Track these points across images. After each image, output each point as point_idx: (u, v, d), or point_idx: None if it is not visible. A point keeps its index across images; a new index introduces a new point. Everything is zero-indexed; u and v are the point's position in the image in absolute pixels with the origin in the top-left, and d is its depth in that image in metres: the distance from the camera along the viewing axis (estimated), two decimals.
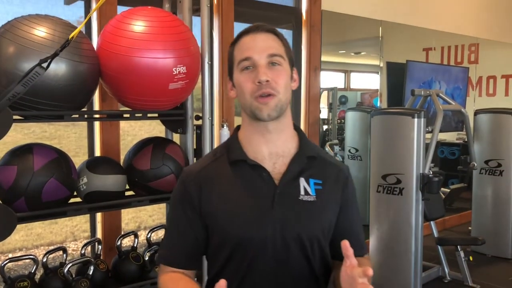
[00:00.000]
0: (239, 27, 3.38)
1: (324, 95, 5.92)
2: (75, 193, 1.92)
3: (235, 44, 1.14)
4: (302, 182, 1.12)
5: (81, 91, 1.80)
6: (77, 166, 1.94)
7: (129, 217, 5.08)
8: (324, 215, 1.13)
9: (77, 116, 1.91)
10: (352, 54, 7.00)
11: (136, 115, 2.00)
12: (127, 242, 2.22)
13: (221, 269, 1.12)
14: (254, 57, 1.08)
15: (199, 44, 2.09)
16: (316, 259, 1.12)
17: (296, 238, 1.08)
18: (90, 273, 1.95)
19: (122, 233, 2.36)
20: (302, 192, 1.11)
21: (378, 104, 4.92)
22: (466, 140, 4.87)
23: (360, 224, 1.26)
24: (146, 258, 2.09)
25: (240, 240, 1.08)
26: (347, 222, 1.19)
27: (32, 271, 1.90)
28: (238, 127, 1.21)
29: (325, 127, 6.03)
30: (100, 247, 2.15)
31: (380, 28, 4.78)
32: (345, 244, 0.94)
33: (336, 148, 5.25)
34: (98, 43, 1.91)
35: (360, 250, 1.18)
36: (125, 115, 2.06)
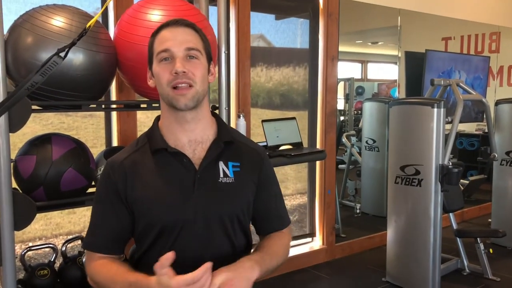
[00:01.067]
0: (255, 16, 3.36)
1: (341, 86, 5.86)
2: (93, 183, 1.93)
3: (155, 36, 1.19)
4: (221, 165, 1.20)
5: (99, 80, 1.80)
6: (94, 156, 1.95)
7: None
8: (243, 195, 1.22)
9: (94, 106, 1.92)
10: (369, 44, 6.91)
11: (153, 105, 2.00)
12: None
13: (147, 251, 1.19)
14: (173, 49, 1.14)
15: (216, 34, 2.07)
16: (237, 235, 1.22)
17: (218, 219, 1.18)
18: None
19: None
20: (222, 175, 1.20)
21: (396, 95, 4.85)
22: (486, 130, 4.79)
23: (280, 199, 1.35)
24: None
25: (164, 224, 1.15)
26: (266, 201, 1.28)
27: (52, 260, 1.93)
28: (158, 116, 1.26)
29: (341, 118, 5.98)
30: None
31: (399, 17, 4.70)
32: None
33: (353, 139, 5.21)
34: (115, 33, 1.91)
35: (281, 225, 1.32)
36: (142, 105, 2.06)
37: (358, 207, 4.78)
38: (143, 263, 1.21)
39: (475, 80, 4.68)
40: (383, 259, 3.48)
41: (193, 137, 1.21)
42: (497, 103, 4.34)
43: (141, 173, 1.18)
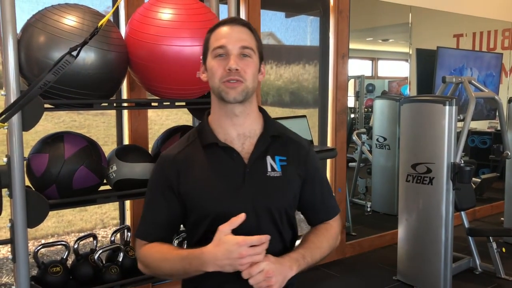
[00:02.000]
0: (265, 14, 3.35)
1: (351, 83, 5.83)
2: (104, 181, 1.95)
3: (212, 32, 1.24)
4: (269, 159, 1.25)
5: (110, 79, 1.81)
6: (106, 154, 1.96)
7: None
8: (289, 188, 1.27)
9: (106, 104, 1.93)
10: (380, 41, 6.86)
11: (164, 103, 2.00)
12: None
13: (200, 240, 1.22)
14: (228, 46, 1.19)
15: None
16: (284, 226, 1.26)
17: (266, 210, 1.22)
18: (120, 259, 1.98)
19: None
20: (269, 169, 1.24)
21: (407, 92, 4.81)
22: (498, 128, 4.74)
23: (328, 190, 1.39)
24: (175, 245, 2.10)
25: (216, 215, 1.19)
26: (313, 193, 1.32)
27: (64, 257, 1.94)
28: (208, 112, 1.31)
29: (351, 115, 5.95)
30: (129, 234, 2.18)
31: (410, 14, 4.66)
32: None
33: (364, 137, 5.19)
34: (126, 32, 1.92)
35: (329, 215, 1.36)
36: (153, 104, 2.07)
37: (368, 205, 4.76)
38: None
39: (487, 77, 4.63)
40: (394, 257, 3.46)
41: (241, 131, 1.25)
42: (510, 100, 4.29)
43: (193, 167, 1.23)
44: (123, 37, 1.90)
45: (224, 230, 1.11)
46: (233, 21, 1.24)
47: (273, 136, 1.27)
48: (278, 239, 1.26)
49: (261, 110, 1.31)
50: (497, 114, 3.99)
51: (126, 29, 1.92)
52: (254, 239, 1.09)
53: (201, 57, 1.29)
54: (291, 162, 1.27)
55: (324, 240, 1.31)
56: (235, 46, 1.19)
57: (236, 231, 1.16)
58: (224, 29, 1.22)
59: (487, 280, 3.43)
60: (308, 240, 1.29)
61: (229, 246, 1.08)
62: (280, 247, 1.26)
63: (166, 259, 1.19)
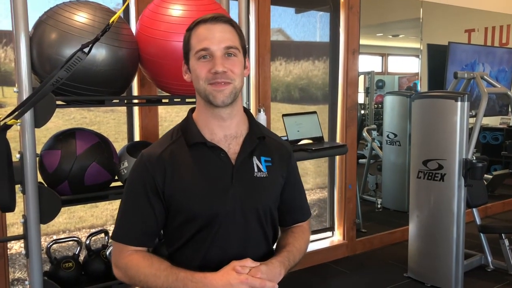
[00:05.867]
0: (275, 10, 3.34)
1: (361, 79, 5.80)
2: (116, 177, 1.95)
3: (192, 31, 1.19)
4: (255, 160, 1.24)
5: (121, 76, 1.81)
6: (117, 151, 1.97)
7: None
8: (274, 189, 1.28)
9: (117, 101, 1.93)
10: (390, 36, 6.80)
11: (175, 100, 2.01)
12: None
13: (185, 244, 1.21)
14: (212, 48, 1.15)
15: None
16: (268, 226, 1.27)
17: (254, 210, 1.22)
18: None
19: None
20: (256, 169, 1.23)
21: (418, 88, 4.78)
22: (510, 124, 4.69)
23: (303, 192, 1.41)
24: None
25: (205, 216, 1.17)
26: (292, 194, 1.34)
27: (76, 253, 1.96)
28: (192, 109, 1.28)
29: (362, 112, 5.91)
30: None
31: (421, 9, 4.62)
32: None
33: (374, 133, 5.16)
34: (136, 28, 1.92)
35: (304, 217, 1.39)
36: (164, 100, 2.07)
37: (379, 202, 4.73)
38: (177, 259, 1.21)
39: (499, 72, 4.58)
40: (404, 254, 3.45)
41: (228, 132, 1.23)
42: None
43: (179, 167, 1.19)
44: (134, 34, 1.90)
45: (235, 263, 1.12)
46: (214, 19, 1.17)
47: (259, 137, 1.26)
48: (263, 239, 1.26)
49: (246, 111, 1.30)
50: (509, 110, 3.95)
51: (137, 25, 1.93)
52: (257, 282, 1.09)
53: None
54: (275, 163, 1.27)
55: (302, 243, 1.32)
56: (219, 47, 1.15)
57: (224, 233, 1.18)
58: (205, 29, 1.16)
59: (499, 277, 3.40)
60: (289, 243, 1.29)
61: (232, 279, 1.08)
62: (266, 248, 1.27)
63: (156, 276, 1.13)
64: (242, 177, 1.20)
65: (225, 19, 1.18)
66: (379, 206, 4.72)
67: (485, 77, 3.65)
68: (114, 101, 1.90)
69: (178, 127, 1.26)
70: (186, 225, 1.19)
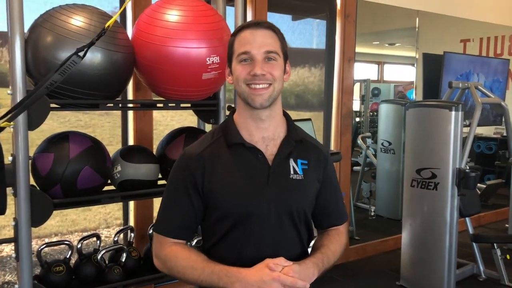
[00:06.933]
0: (272, 17, 3.35)
1: (357, 87, 5.82)
2: (109, 181, 1.95)
3: (236, 36, 1.26)
4: (291, 162, 1.28)
5: (116, 80, 1.81)
6: (111, 154, 1.97)
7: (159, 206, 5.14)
8: (309, 191, 1.31)
9: (112, 105, 1.93)
10: (386, 45, 6.83)
11: (170, 104, 2.01)
12: None
13: (220, 240, 1.26)
14: (253, 51, 1.21)
15: None
16: (302, 226, 1.30)
17: (288, 211, 1.26)
18: (123, 260, 1.98)
19: (154, 221, 2.38)
20: (292, 171, 1.27)
21: (413, 97, 4.80)
22: (504, 134, 4.72)
23: (340, 196, 1.44)
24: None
25: (240, 214, 1.23)
26: (328, 197, 1.37)
27: (67, 256, 1.95)
28: (234, 111, 1.34)
29: (357, 119, 5.93)
30: (132, 235, 2.18)
31: (417, 18, 4.65)
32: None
33: (369, 141, 5.17)
34: (133, 33, 1.92)
35: (340, 220, 1.42)
36: (158, 105, 2.07)
37: (372, 210, 4.74)
38: (212, 256, 1.25)
39: (494, 83, 4.61)
40: (397, 262, 3.45)
41: (266, 134, 1.27)
42: None
43: (219, 165, 1.25)
44: (130, 38, 1.90)
45: (268, 261, 1.16)
46: (257, 24, 1.24)
47: (297, 141, 1.31)
48: (297, 240, 1.30)
49: (285, 114, 1.34)
50: (503, 120, 3.97)
51: (133, 30, 1.93)
52: (289, 280, 1.13)
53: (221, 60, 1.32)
54: (312, 166, 1.31)
55: (337, 246, 1.35)
56: (259, 51, 1.20)
57: (259, 232, 1.23)
58: (248, 34, 1.23)
59: (491, 287, 3.41)
60: (324, 245, 1.32)
61: (264, 276, 1.13)
62: (299, 249, 1.30)
63: (193, 268, 1.20)
64: (278, 178, 1.25)
65: (267, 25, 1.25)
66: (372, 213, 4.72)
67: (479, 87, 3.68)
68: (109, 105, 1.90)
69: (219, 128, 1.33)
70: (221, 221, 1.25)
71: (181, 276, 1.23)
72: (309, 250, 1.36)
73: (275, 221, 1.24)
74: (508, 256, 3.61)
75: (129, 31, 2.20)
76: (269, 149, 1.27)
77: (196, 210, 1.26)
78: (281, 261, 1.17)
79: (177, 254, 1.24)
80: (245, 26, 1.25)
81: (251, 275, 1.14)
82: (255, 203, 1.23)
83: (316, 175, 1.32)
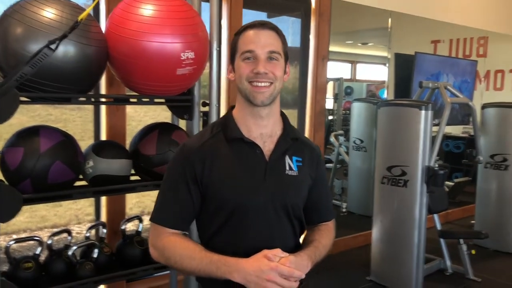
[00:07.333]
0: (247, 14, 3.35)
1: (330, 86, 5.89)
2: (80, 176, 1.92)
3: (240, 35, 1.31)
4: (287, 159, 1.34)
5: (89, 74, 1.79)
6: (83, 150, 1.94)
7: (133, 202, 5.09)
8: (303, 187, 1.37)
9: (84, 99, 1.90)
10: (360, 44, 6.93)
11: (143, 99, 1.99)
12: (130, 226, 2.23)
13: (217, 232, 1.30)
14: (257, 51, 1.26)
15: (208, 30, 2.07)
16: (296, 220, 1.36)
17: (283, 205, 1.31)
18: (95, 256, 1.96)
19: (126, 217, 2.36)
20: (287, 167, 1.33)
21: (385, 96, 4.89)
22: (472, 133, 4.86)
23: (329, 193, 1.54)
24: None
25: (238, 206, 1.27)
26: (320, 194, 1.44)
27: (37, 253, 1.91)
28: (233, 106, 1.38)
29: (330, 117, 5.99)
30: (104, 230, 2.15)
31: (390, 19, 4.73)
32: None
33: (341, 138, 5.24)
34: (106, 26, 1.90)
35: (329, 216, 1.48)
36: (132, 100, 2.05)
37: (344, 206, 4.82)
38: (209, 246, 1.28)
39: (462, 83, 4.74)
40: (368, 258, 3.52)
41: (264, 131, 1.33)
42: (484, 106, 4.40)
43: (218, 159, 1.29)
44: (103, 32, 1.88)
45: (266, 252, 1.20)
46: (262, 25, 1.29)
47: (293, 138, 1.36)
48: (291, 233, 1.35)
49: (282, 114, 1.40)
50: (471, 119, 4.09)
51: (107, 23, 1.90)
52: (286, 270, 1.18)
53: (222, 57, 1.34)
54: (306, 163, 1.37)
55: (328, 240, 1.42)
56: (263, 51, 1.26)
57: (256, 224, 1.28)
58: (252, 33, 1.28)
59: (457, 281, 3.52)
60: (316, 239, 1.38)
61: (262, 266, 1.17)
62: (293, 241, 1.36)
63: (192, 258, 1.23)
64: (274, 174, 1.30)
65: (271, 26, 1.31)
66: (344, 210, 4.80)
67: (448, 87, 3.78)
68: (81, 99, 1.87)
69: (218, 123, 1.37)
70: (218, 213, 1.29)
71: (178, 266, 1.26)
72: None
73: (271, 214, 1.29)
74: (473, 251, 3.74)
75: (103, 25, 2.17)
76: (267, 146, 1.32)
77: (194, 202, 1.30)
78: (278, 252, 1.21)
79: (175, 244, 1.27)
80: (250, 26, 1.30)
81: (250, 265, 1.18)
82: (253, 196, 1.28)
83: (309, 172, 1.38)
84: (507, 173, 4.18)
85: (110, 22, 1.87)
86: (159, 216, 1.32)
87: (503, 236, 4.20)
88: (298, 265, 1.22)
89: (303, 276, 1.22)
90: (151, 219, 1.32)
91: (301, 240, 1.42)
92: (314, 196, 1.41)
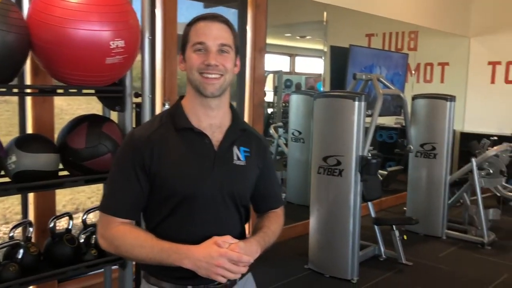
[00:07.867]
0: (183, 3, 3.29)
1: (270, 78, 5.93)
2: (2, 173, 1.81)
3: (192, 26, 1.32)
4: (235, 149, 1.37)
5: (9, 62, 1.67)
6: (4, 144, 1.82)
7: (66, 199, 4.88)
8: (250, 177, 1.40)
9: (4, 90, 1.78)
10: (298, 37, 7.02)
11: (71, 90, 1.89)
12: (63, 225, 2.13)
13: (165, 220, 1.31)
14: (208, 43, 1.28)
15: (139, 19, 2.00)
16: (242, 208, 1.40)
17: (231, 194, 1.34)
18: (19, 256, 1.85)
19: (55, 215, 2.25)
20: (235, 157, 1.36)
21: (322, 88, 4.98)
22: (404, 124, 5.07)
23: (277, 181, 1.58)
24: (82, 241, 2.01)
25: (186, 194, 1.29)
26: (267, 183, 1.48)
27: None
28: (182, 96, 1.40)
29: (270, 110, 6.04)
30: (31, 229, 2.04)
31: (325, 12, 4.82)
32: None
33: (280, 130, 5.30)
34: (28, 12, 1.78)
35: (278, 204, 1.53)
36: (58, 91, 1.95)
37: (283, 197, 4.87)
38: (157, 234, 1.28)
39: (394, 75, 4.93)
40: (305, 247, 3.59)
41: (213, 122, 1.35)
42: (414, 98, 4.60)
43: (167, 149, 1.30)
44: (25, 18, 1.76)
45: (216, 238, 1.22)
46: (214, 17, 1.31)
47: (241, 129, 1.40)
48: (238, 220, 1.38)
49: (231, 106, 1.42)
50: (402, 110, 4.26)
51: (29, 9, 1.79)
52: (235, 255, 1.21)
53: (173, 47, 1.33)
54: (253, 154, 1.40)
55: (277, 226, 1.46)
56: (214, 43, 1.28)
57: (204, 212, 1.30)
58: (204, 25, 1.30)
59: (391, 266, 3.67)
60: (265, 225, 1.42)
61: (212, 252, 1.20)
62: (239, 228, 1.39)
63: (142, 246, 1.24)
64: (222, 163, 1.33)
65: (223, 19, 1.33)
66: (283, 200, 4.86)
67: (381, 79, 3.91)
68: (1, 90, 1.75)
69: (167, 112, 1.38)
70: (166, 201, 1.30)
71: (129, 255, 1.27)
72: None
73: (219, 203, 1.32)
74: (405, 237, 3.92)
75: (25, 11, 2.04)
76: (216, 136, 1.34)
77: (144, 190, 1.30)
78: (227, 238, 1.24)
79: (125, 233, 1.27)
80: (202, 17, 1.31)
81: (200, 251, 1.21)
82: (201, 185, 1.29)
83: (257, 162, 1.41)
84: (435, 161, 4.40)
85: (32, 8, 1.76)
86: (108, 206, 1.31)
87: (431, 221, 4.43)
88: (247, 250, 1.25)
89: (252, 261, 1.26)
90: (99, 209, 1.32)
91: (246, 227, 1.44)
92: (262, 185, 1.45)
